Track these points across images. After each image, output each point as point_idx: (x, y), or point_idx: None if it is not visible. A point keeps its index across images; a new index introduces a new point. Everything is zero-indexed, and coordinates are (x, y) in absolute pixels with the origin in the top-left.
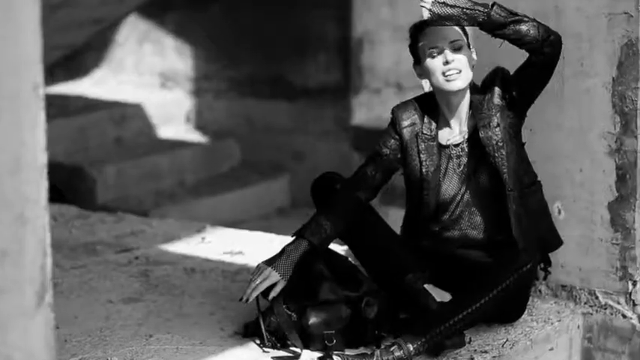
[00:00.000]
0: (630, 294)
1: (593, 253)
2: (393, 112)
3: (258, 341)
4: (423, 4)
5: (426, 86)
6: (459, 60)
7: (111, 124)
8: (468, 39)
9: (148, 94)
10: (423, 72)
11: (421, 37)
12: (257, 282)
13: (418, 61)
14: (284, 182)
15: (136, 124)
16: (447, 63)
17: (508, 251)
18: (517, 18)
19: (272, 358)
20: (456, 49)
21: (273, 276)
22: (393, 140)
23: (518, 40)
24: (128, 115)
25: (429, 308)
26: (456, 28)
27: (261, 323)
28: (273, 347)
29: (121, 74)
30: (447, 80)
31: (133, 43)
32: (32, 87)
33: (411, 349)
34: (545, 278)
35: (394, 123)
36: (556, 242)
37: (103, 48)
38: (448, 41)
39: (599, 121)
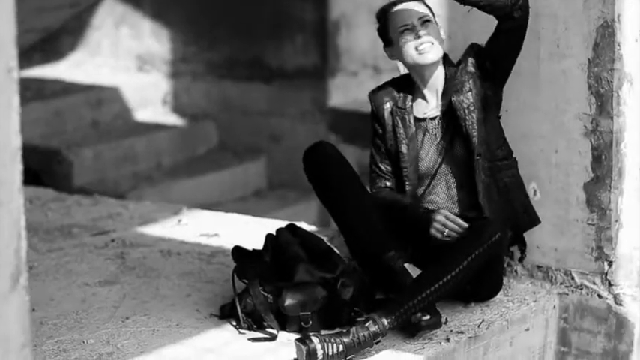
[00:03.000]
0: (606, 274)
1: (569, 233)
2: (369, 97)
3: (234, 323)
4: None
5: (402, 67)
6: (429, 34)
7: (88, 108)
8: (433, 16)
9: (125, 77)
10: (395, 53)
11: (390, 19)
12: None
13: (388, 44)
14: (261, 164)
15: (112, 107)
16: (418, 37)
17: (477, 223)
18: None
19: (248, 339)
20: (425, 24)
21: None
22: (376, 124)
23: (489, 6)
24: (105, 98)
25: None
26: (422, 5)
27: (237, 305)
28: (249, 329)
29: (98, 57)
30: (420, 54)
31: (109, 26)
32: (6, 69)
33: (386, 323)
34: (521, 259)
35: (371, 106)
36: (531, 220)
37: (79, 31)
38: (417, 17)
39: (575, 103)
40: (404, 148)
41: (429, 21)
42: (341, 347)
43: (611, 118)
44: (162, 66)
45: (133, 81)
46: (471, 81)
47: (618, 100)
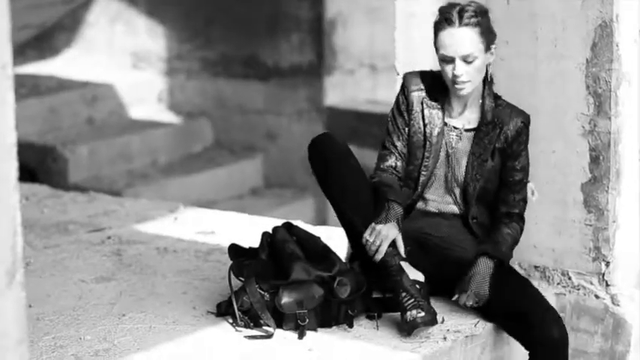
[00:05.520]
0: (603, 275)
1: (567, 234)
2: (403, 77)
3: (230, 320)
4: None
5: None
6: (468, 72)
7: (83, 104)
8: (487, 43)
9: (120, 74)
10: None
11: (439, 34)
12: (377, 243)
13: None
14: (257, 162)
15: (107, 104)
16: (455, 75)
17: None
18: (511, 251)
19: (244, 337)
20: (468, 62)
21: (392, 230)
22: (402, 104)
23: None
24: (100, 95)
25: (401, 285)
26: (473, 39)
27: (234, 303)
28: (246, 327)
29: (93, 54)
30: (455, 87)
31: (104, 22)
32: (1, 66)
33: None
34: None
35: (403, 86)
36: None
37: (74, 28)
38: (460, 55)
39: (573, 103)
40: (433, 139)
41: (473, 59)
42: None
43: (609, 119)
44: (157, 63)
45: (128, 78)
46: (495, 154)
47: (616, 100)
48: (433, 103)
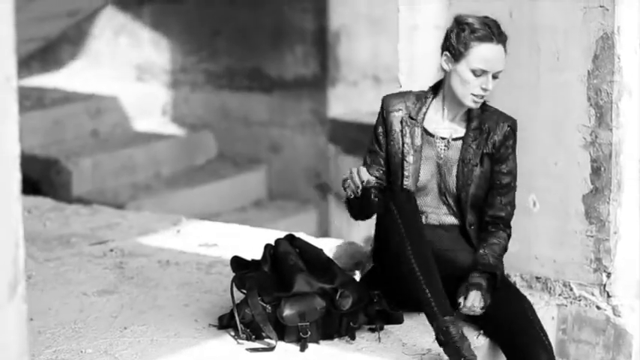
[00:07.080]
0: (604, 286)
1: (568, 245)
2: (382, 99)
3: (232, 333)
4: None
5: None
6: (493, 87)
7: (87, 117)
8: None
9: (124, 87)
10: (451, 67)
11: (474, 49)
12: (355, 173)
13: (453, 54)
14: (260, 174)
15: (112, 117)
16: (484, 90)
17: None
18: (500, 260)
19: (246, 350)
20: (495, 78)
21: (363, 169)
22: (380, 127)
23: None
24: (104, 107)
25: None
26: (504, 55)
27: (236, 315)
28: (248, 339)
29: (97, 67)
30: (473, 101)
31: (109, 35)
32: (5, 78)
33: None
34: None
35: (382, 109)
36: None
37: (79, 40)
38: (495, 70)
39: (575, 114)
40: (410, 159)
41: (498, 77)
42: None
43: (611, 130)
44: (161, 76)
45: (133, 90)
46: (484, 159)
47: (618, 111)
48: (413, 121)
